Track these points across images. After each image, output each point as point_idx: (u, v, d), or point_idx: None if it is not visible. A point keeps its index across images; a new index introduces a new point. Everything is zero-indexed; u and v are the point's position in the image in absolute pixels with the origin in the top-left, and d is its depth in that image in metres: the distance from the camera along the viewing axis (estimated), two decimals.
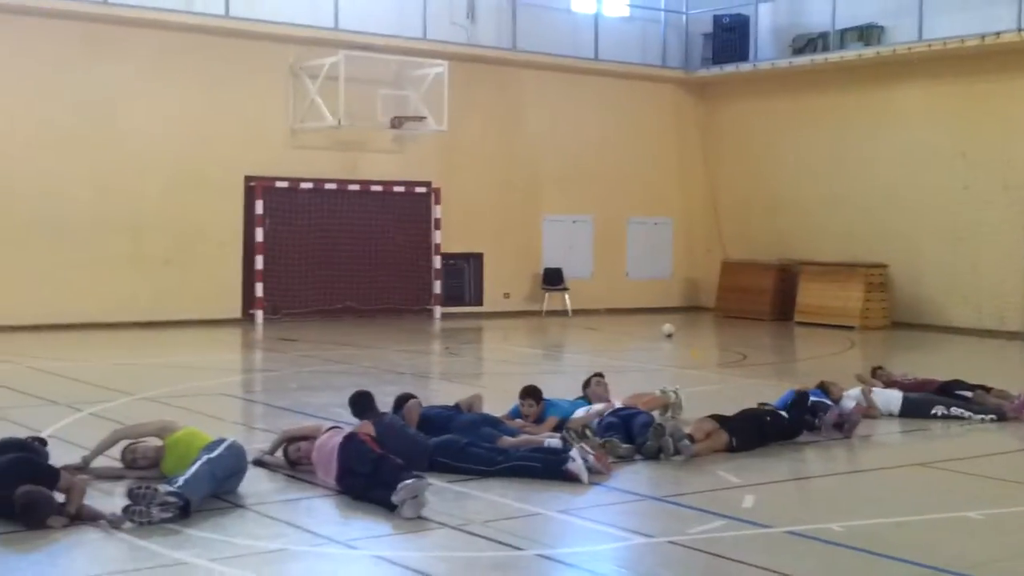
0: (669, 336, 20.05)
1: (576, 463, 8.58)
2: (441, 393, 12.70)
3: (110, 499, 7.68)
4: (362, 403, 9.49)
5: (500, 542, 6.91)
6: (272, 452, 8.89)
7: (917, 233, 22.43)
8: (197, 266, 20.89)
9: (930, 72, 22.12)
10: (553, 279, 24.72)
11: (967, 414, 11.70)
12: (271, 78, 21.54)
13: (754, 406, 10.58)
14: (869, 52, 22.71)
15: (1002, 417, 11.64)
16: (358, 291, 22.56)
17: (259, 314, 21.37)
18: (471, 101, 23.09)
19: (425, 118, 21.89)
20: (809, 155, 24.36)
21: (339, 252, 22.37)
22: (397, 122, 21.81)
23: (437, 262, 23.37)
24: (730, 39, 25.41)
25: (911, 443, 10.88)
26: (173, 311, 20.45)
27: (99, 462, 8.42)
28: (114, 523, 7.02)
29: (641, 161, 25.92)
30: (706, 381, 14.24)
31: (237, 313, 21.46)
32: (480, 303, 24.24)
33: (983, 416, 11.65)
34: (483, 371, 16.87)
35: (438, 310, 23.35)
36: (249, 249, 21.47)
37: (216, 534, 7.03)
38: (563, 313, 24.34)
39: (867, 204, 23.19)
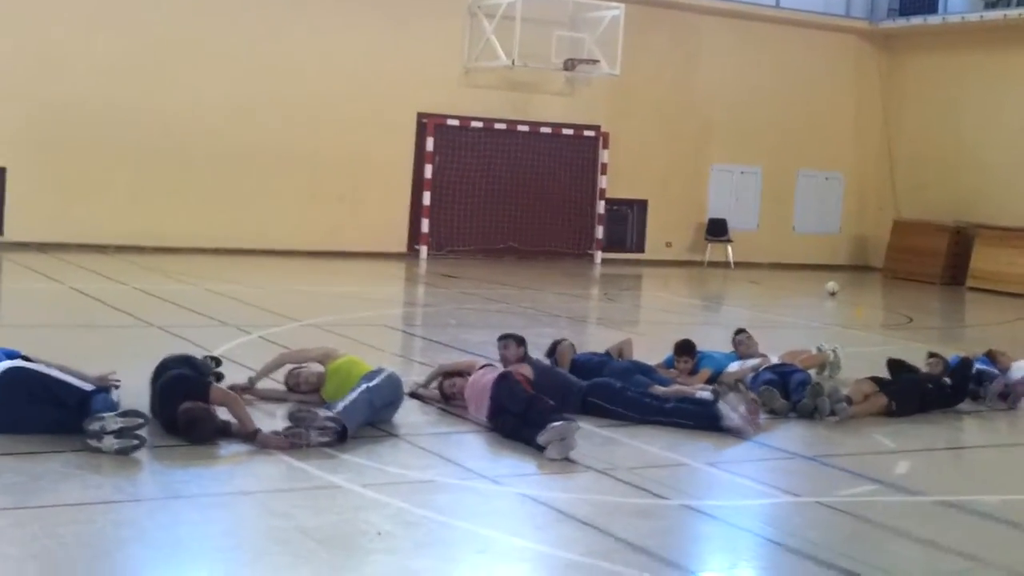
0: (833, 294, 19.63)
1: (727, 416, 8.55)
2: (595, 339, 12.75)
3: (271, 420, 8.00)
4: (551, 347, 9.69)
5: (645, 489, 6.96)
6: (427, 385, 9.10)
7: None
8: (368, 200, 21.35)
9: None
10: (717, 230, 24.44)
11: None
12: (448, 16, 21.72)
13: (918, 367, 10.35)
14: None
15: None
16: (521, 232, 22.73)
17: (423, 249, 21.75)
18: (645, 46, 22.87)
19: (598, 61, 21.80)
20: (996, 115, 23.40)
21: (505, 192, 22.55)
22: (570, 64, 21.77)
23: (601, 207, 23.35)
24: None
25: None
26: (343, 243, 20.99)
27: (264, 384, 8.75)
28: (286, 442, 7.26)
29: (815, 113, 25.30)
30: (868, 342, 13.94)
31: (403, 247, 21.90)
32: (642, 250, 24.16)
33: None
34: (639, 319, 16.86)
35: (599, 255, 23.37)
36: (418, 185, 21.82)
37: (369, 460, 7.25)
38: (725, 265, 24.08)
39: None
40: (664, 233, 24.24)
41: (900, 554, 6.09)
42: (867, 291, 22.29)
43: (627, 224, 24.05)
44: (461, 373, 8.93)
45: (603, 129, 23.12)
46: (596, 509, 6.58)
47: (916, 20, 24.48)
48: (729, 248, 24.26)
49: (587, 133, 23.07)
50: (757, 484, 7.25)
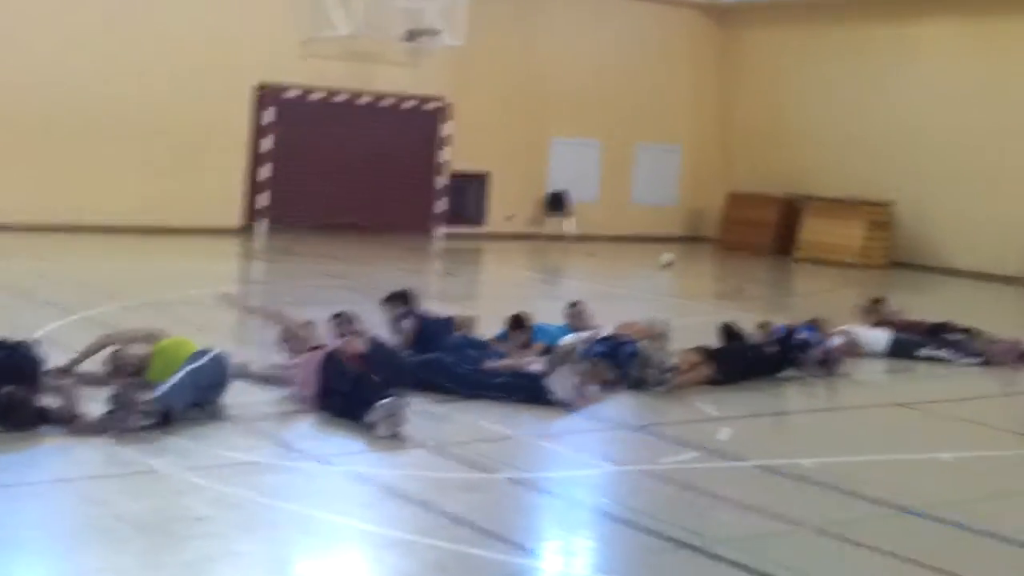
0: (668, 265, 20.05)
1: (559, 389, 8.67)
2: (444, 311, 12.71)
3: (94, 405, 7.79)
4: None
5: (472, 464, 7.01)
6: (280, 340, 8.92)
7: (928, 173, 22.26)
8: (201, 173, 20.81)
9: (959, 8, 21.86)
10: (558, 203, 24.66)
11: (952, 356, 11.77)
12: None
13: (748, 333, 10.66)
14: None
15: (987, 361, 11.71)
16: (363, 206, 22.47)
17: (262, 224, 21.39)
18: (489, 18, 22.80)
19: (440, 32, 21.66)
20: (828, 89, 24.08)
21: (346, 166, 22.23)
22: (412, 35, 21.59)
23: (442, 180, 23.32)
24: None
25: (893, 383, 10.98)
26: (175, 218, 20.39)
27: (86, 367, 8.51)
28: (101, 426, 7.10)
29: (654, 87, 25.67)
30: (699, 312, 14.27)
31: (239, 222, 21.47)
32: (483, 223, 24.22)
33: (968, 359, 11.72)
34: (479, 293, 16.96)
35: (440, 229, 23.35)
36: (255, 158, 21.43)
37: (194, 443, 7.13)
38: (566, 237, 24.33)
39: (882, 141, 22.98)
40: (506, 206, 24.33)
41: (720, 519, 6.28)
42: (700, 262, 22.83)
43: (469, 197, 24.06)
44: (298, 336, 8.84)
45: (445, 101, 23.06)
46: (424, 485, 6.60)
47: None
48: (572, 220, 24.51)
49: (429, 105, 22.97)
50: (584, 455, 7.39)
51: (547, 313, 11.57)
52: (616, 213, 25.52)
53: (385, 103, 22.52)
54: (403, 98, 22.62)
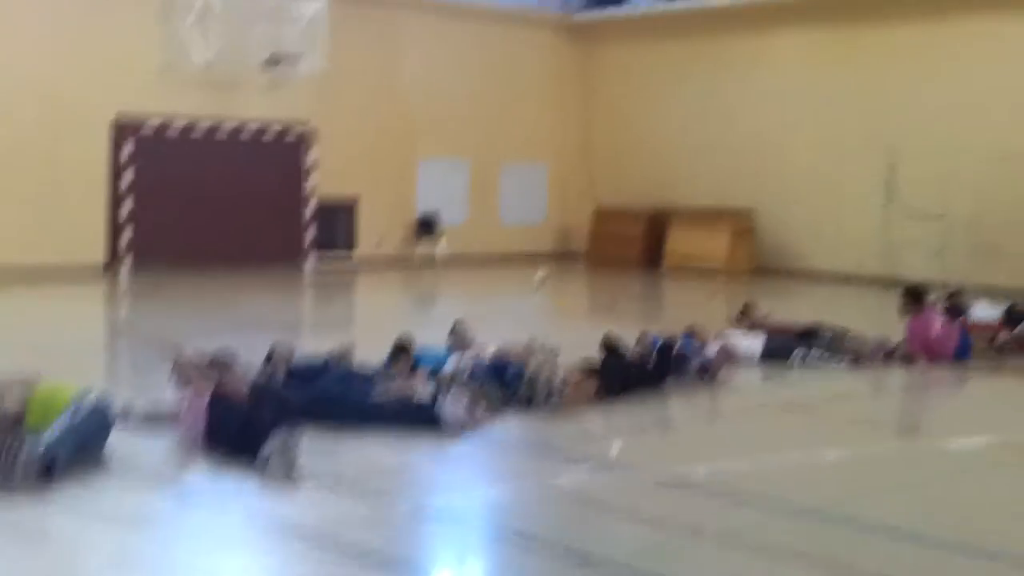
0: (542, 283, 20.22)
1: (448, 413, 8.69)
2: (313, 343, 12.60)
3: None
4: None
5: (369, 495, 6.97)
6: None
7: (784, 180, 22.99)
8: (62, 210, 20.24)
9: (804, 18, 22.63)
10: (428, 225, 24.68)
11: (824, 358, 12.13)
12: (141, 14, 20.86)
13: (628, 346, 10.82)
14: None
15: (858, 361, 12.11)
16: (229, 238, 22.16)
17: (125, 262, 20.92)
18: (350, 41, 22.76)
19: (302, 56, 21.49)
20: (684, 101, 24.68)
21: (210, 197, 21.91)
22: (273, 59, 21.36)
23: (310, 208, 23.14)
24: None
25: (771, 388, 11.25)
26: (36, 257, 19.80)
27: None
28: None
29: (517, 106, 25.93)
30: (577, 328, 14.44)
31: (100, 261, 20.94)
32: (353, 250, 24.09)
33: (841, 360, 12.10)
34: (355, 320, 16.84)
35: (311, 258, 23.15)
36: (115, 193, 20.96)
37: (84, 492, 6.94)
38: (438, 260, 24.36)
39: (739, 151, 23.63)
40: (376, 231, 24.25)
41: (619, 532, 6.36)
42: (572, 277, 23.08)
43: (338, 224, 23.91)
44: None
45: (310, 127, 22.90)
46: (323, 520, 6.54)
47: (608, 11, 25.50)
48: (443, 242, 24.53)
49: (293, 132, 22.79)
50: (479, 477, 7.40)
51: (426, 336, 11.56)
52: (486, 232, 25.65)
53: (247, 132, 22.28)
54: (266, 125, 22.40)
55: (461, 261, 24.36)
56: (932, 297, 13.62)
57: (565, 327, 14.17)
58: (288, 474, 7.35)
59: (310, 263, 22.97)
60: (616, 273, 23.19)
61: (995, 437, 8.78)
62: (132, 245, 20.99)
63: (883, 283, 21.26)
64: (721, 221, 23.21)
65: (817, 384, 11.26)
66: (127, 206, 20.95)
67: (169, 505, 6.79)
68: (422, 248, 24.48)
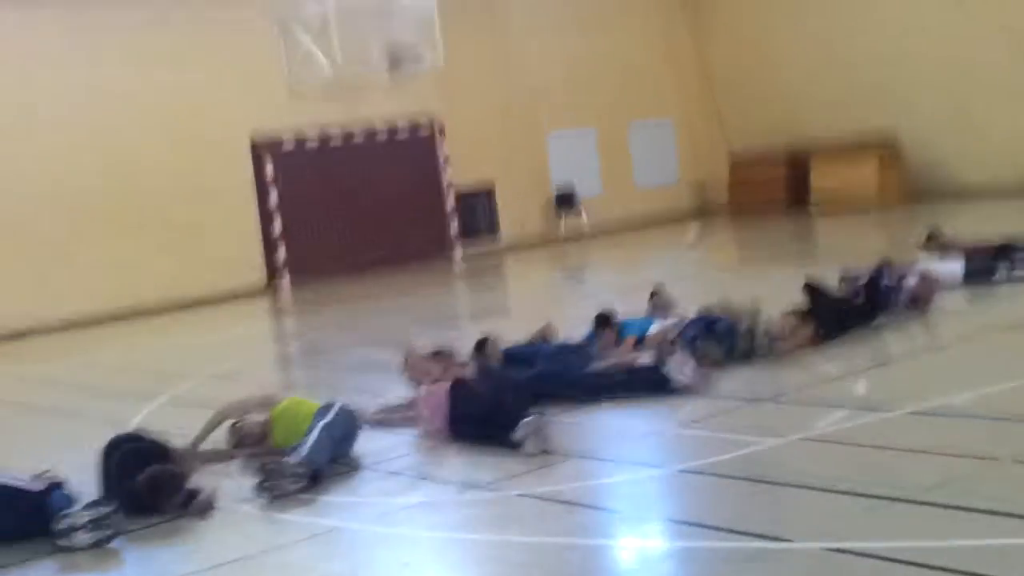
0: (696, 240, 20.03)
1: (676, 374, 8.59)
2: (497, 328, 12.57)
3: (230, 480, 7.70)
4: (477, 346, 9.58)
5: (640, 463, 6.92)
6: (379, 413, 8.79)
7: (926, 95, 22.20)
8: (212, 238, 20.67)
9: None
10: (566, 200, 24.60)
11: None
12: (260, 34, 21.12)
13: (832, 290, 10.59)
14: None
15: None
16: (377, 241, 22.42)
17: (285, 280, 21.28)
18: (461, 29, 22.70)
19: (422, 55, 21.56)
20: (805, 30, 23.95)
21: (353, 204, 22.19)
22: (395, 61, 21.48)
23: (450, 200, 23.25)
24: None
25: (988, 308, 10.91)
26: (199, 288, 20.26)
27: (206, 445, 8.39)
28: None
29: (634, 64, 25.63)
30: (760, 278, 14.20)
31: (260, 282, 21.34)
32: (497, 236, 24.14)
33: None
34: (528, 303, 16.79)
35: (458, 249, 23.27)
36: (265, 214, 21.32)
37: (353, 497, 7.03)
38: (580, 235, 24.25)
39: (871, 72, 22.81)
40: (516, 214, 24.26)
41: (913, 469, 6.17)
42: (721, 231, 22.77)
43: (478, 212, 23.99)
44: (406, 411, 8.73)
45: (437, 121, 22.98)
46: (601, 493, 6.51)
47: None
48: (582, 217, 24.44)
49: (422, 128, 22.91)
50: (738, 435, 7.24)
51: (592, 310, 11.40)
52: (622, 200, 25.47)
53: (380, 135, 22.46)
54: (396, 126, 22.54)
55: (602, 231, 24.24)
56: None
57: (742, 280, 13.94)
58: (543, 453, 7.36)
59: (458, 253, 23.08)
60: (763, 219, 22.82)
61: None
62: (288, 261, 21.33)
63: None
64: (865, 151, 22.63)
65: None
66: (277, 224, 21.29)
67: (442, 497, 6.80)
68: (564, 223, 24.40)
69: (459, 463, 7.58)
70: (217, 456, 8.27)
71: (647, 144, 26.07)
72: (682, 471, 6.67)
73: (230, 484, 7.56)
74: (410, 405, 8.64)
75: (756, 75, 25.04)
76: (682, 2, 26.36)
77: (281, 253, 21.32)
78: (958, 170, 22.07)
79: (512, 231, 24.18)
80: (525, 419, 7.46)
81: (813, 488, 6.01)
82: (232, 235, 20.96)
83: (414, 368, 8.85)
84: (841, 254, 16.65)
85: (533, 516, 6.32)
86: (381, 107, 22.46)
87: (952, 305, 10.97)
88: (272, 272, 21.35)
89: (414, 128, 22.78)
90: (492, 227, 24.15)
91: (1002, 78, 21.11)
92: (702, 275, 16.19)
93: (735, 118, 25.80)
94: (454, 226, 23.29)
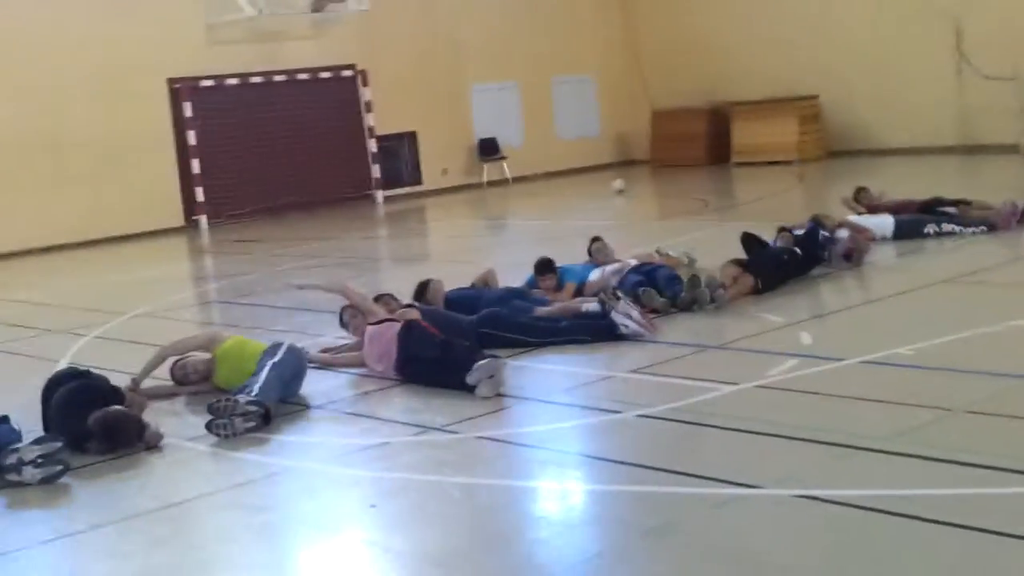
0: (620, 192, 20.12)
1: (623, 322, 8.63)
2: (432, 273, 12.46)
3: (176, 418, 7.58)
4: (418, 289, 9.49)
5: (596, 408, 6.93)
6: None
7: (845, 61, 22.58)
8: (129, 177, 20.20)
9: None
10: (489, 149, 24.52)
11: (959, 229, 11.98)
12: None
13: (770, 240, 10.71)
14: None
15: (991, 228, 11.93)
16: (298, 184, 22.10)
17: (203, 219, 20.90)
18: None
19: None
20: None
21: (274, 147, 21.85)
22: (318, 4, 21.16)
23: (373, 145, 23.00)
24: None
25: (921, 263, 11.11)
26: (110, 227, 19.83)
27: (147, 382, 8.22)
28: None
29: (559, 20, 25.57)
30: (688, 230, 14.30)
31: (177, 221, 20.94)
32: (419, 182, 23.98)
33: (973, 229, 11.95)
34: (461, 247, 16.61)
35: (380, 194, 23.07)
36: (183, 154, 20.88)
37: (309, 436, 6.97)
38: (503, 182, 24.21)
39: (794, 35, 23.17)
40: (438, 161, 24.11)
41: (871, 417, 6.27)
42: (644, 183, 22.88)
43: (401, 158, 23.79)
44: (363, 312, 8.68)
45: (360, 67, 22.68)
46: (566, 436, 6.53)
47: None
48: (504, 165, 24.39)
49: (345, 73, 22.59)
50: (692, 380, 7.29)
51: (528, 254, 11.38)
52: (544, 150, 25.45)
53: (301, 78, 22.10)
54: (318, 71, 22.20)
55: (524, 181, 24.22)
56: None
57: (670, 230, 14.01)
58: (495, 394, 7.35)
59: (379, 198, 22.88)
60: (684, 173, 22.99)
61: None
62: (206, 201, 20.95)
63: (961, 151, 21.05)
64: (786, 109, 22.89)
65: (964, 255, 11.10)
66: (196, 164, 20.86)
67: (402, 438, 6.75)
68: (485, 173, 24.32)
69: (412, 404, 7.52)
70: (160, 393, 8.12)
71: (570, 98, 26.06)
72: (641, 416, 6.69)
73: (176, 422, 7.45)
74: (356, 346, 8.57)
75: (680, 37, 25.15)
76: None
77: (199, 193, 20.90)
78: (875, 131, 22.47)
79: (434, 178, 24.02)
80: (480, 362, 7.44)
81: (776, 435, 6.08)
82: (149, 175, 20.51)
83: (358, 310, 8.75)
84: (766, 207, 16.93)
85: (495, 459, 6.33)
86: (303, 50, 22.12)
87: (883, 259, 11.18)
88: (190, 211, 20.94)
89: (336, 72, 22.44)
90: (414, 173, 23.97)
91: (919, 48, 21.49)
92: (629, 225, 16.24)
93: (659, 78, 25.89)
94: (376, 171, 23.05)
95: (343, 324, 8.83)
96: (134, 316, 11.87)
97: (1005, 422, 6.05)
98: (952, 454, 5.53)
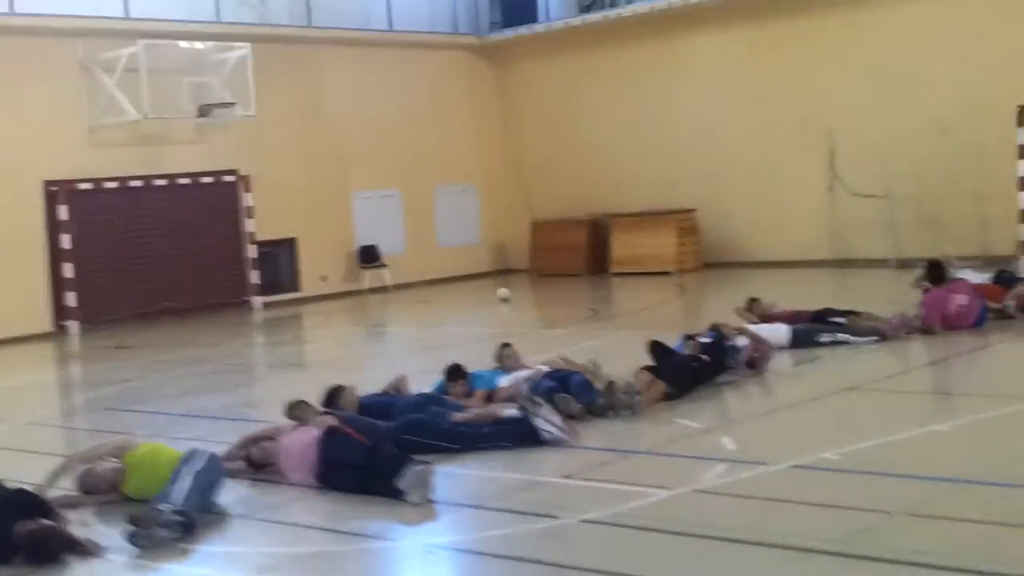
0: (505, 300, 20.20)
1: (545, 428, 8.58)
2: (323, 379, 12.09)
3: (87, 529, 7.19)
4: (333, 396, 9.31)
5: (535, 513, 6.82)
6: (231, 456, 8.46)
7: (722, 176, 23.25)
8: (1, 279, 19.47)
9: (722, 18, 22.94)
10: (369, 256, 24.41)
11: (851, 339, 12.30)
12: (62, 75, 20.26)
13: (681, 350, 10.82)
14: (661, 3, 23.30)
15: (882, 338, 12.30)
16: (174, 289, 21.56)
17: (74, 325, 20.21)
18: (272, 83, 22.40)
19: (234, 104, 21.09)
20: (610, 110, 24.81)
21: (151, 252, 21.29)
22: (205, 110, 20.95)
23: (252, 251, 22.69)
24: (517, 1, 25.62)
25: (820, 371, 11.33)
26: None
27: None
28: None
29: (442, 130, 25.80)
30: (584, 338, 14.38)
31: (45, 327, 20.18)
32: (298, 288, 23.67)
33: (866, 339, 12.29)
34: (351, 355, 16.39)
35: (258, 300, 22.69)
36: (55, 257, 20.25)
37: (235, 546, 6.68)
38: (384, 289, 24.08)
39: (672, 152, 23.81)
40: (318, 267, 23.88)
41: (810, 519, 6.32)
42: (526, 291, 22.99)
43: (280, 264, 23.50)
44: (268, 437, 8.40)
45: (242, 172, 22.47)
46: (507, 543, 6.38)
47: (521, 30, 25.58)
48: (385, 272, 24.29)
49: (227, 179, 22.32)
50: (625, 486, 7.27)
51: (428, 362, 11.30)
52: (424, 258, 25.44)
53: (182, 182, 21.76)
54: (199, 175, 21.92)
55: (405, 288, 24.15)
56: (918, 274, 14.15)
57: (564, 338, 14.07)
58: (426, 501, 7.19)
59: (257, 304, 22.51)
60: (564, 283, 23.23)
61: None
62: (80, 306, 20.28)
63: (833, 264, 21.75)
64: (664, 221, 23.40)
65: (862, 363, 11.38)
66: (69, 268, 20.23)
67: (336, 547, 6.53)
68: (365, 280, 24.18)
69: (341, 511, 7.31)
70: (65, 503, 7.71)
71: (451, 206, 26.20)
72: (584, 521, 6.61)
73: (88, 534, 7.06)
74: (271, 455, 8.29)
75: (561, 150, 25.61)
76: (494, 80, 26.78)
77: (70, 298, 20.24)
78: (751, 244, 23.09)
79: (314, 284, 23.77)
80: (411, 468, 7.28)
81: (729, 540, 6.07)
82: (19, 278, 19.78)
83: (296, 415, 8.53)
84: (654, 316, 17.16)
85: (444, 569, 6.15)
86: (186, 155, 21.80)
87: (783, 367, 11.37)
88: (60, 316, 20.23)
89: (218, 177, 22.17)
90: (293, 280, 23.67)
91: (795, 165, 22.29)
92: (521, 333, 16.22)
93: (539, 188, 26.24)
94: (254, 276, 22.71)
95: (255, 466, 8.46)
96: (21, 424, 11.31)
97: (947, 524, 6.15)
98: (906, 556, 5.58)
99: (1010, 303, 13.24)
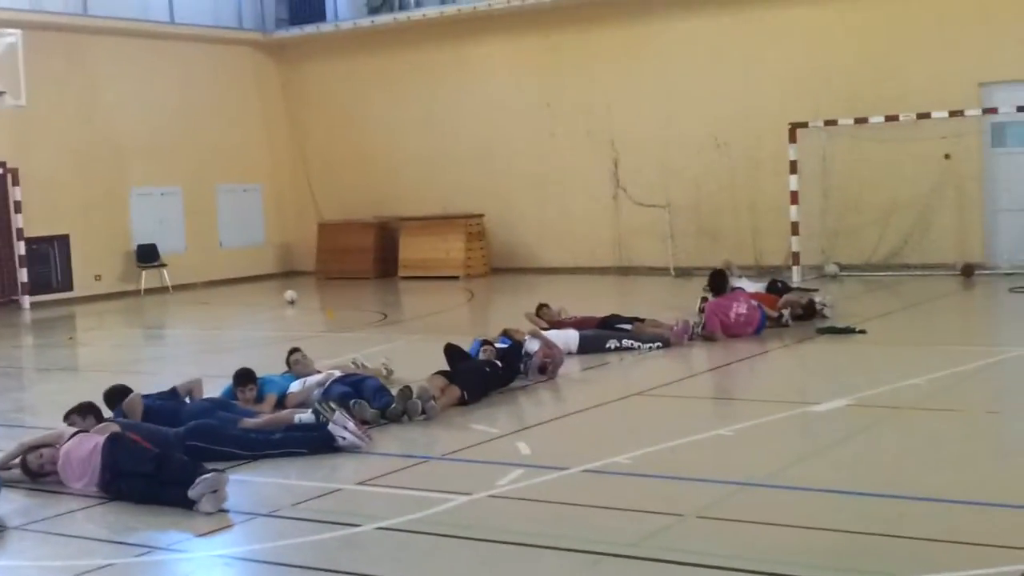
0: (292, 303, 19.88)
1: (340, 433, 8.47)
2: (101, 382, 11.49)
3: None
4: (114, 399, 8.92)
5: (331, 521, 6.70)
6: (6, 465, 8.01)
7: (510, 183, 23.55)
8: None
9: (510, 26, 23.21)
10: (148, 255, 23.60)
11: (637, 344, 12.63)
12: None
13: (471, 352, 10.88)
14: (450, 8, 23.39)
15: (666, 344, 12.68)
16: None
17: None
18: (45, 73, 21.41)
19: (3, 93, 19.99)
20: (399, 113, 24.80)
21: None
22: None
23: (21, 248, 21.61)
24: None
25: (609, 376, 11.58)
26: None
27: None
28: None
29: (225, 128, 25.24)
30: (375, 342, 14.27)
31: None
32: (70, 288, 22.68)
33: (651, 345, 12.64)
34: (128, 357, 15.77)
35: (27, 300, 21.62)
36: None
37: (14, 560, 6.32)
38: (163, 290, 23.33)
39: (462, 158, 24.00)
40: (92, 266, 22.95)
41: (605, 523, 6.42)
42: (312, 294, 22.67)
43: (51, 262, 22.46)
44: (47, 444, 7.99)
45: (10, 165, 21.37)
46: (304, 553, 6.25)
47: (309, 29, 25.23)
48: (164, 272, 23.52)
49: None
50: (422, 491, 7.23)
51: (215, 366, 11.03)
52: (206, 258, 24.81)
53: None
54: None
55: (186, 290, 23.47)
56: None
57: (354, 343, 13.92)
58: (218, 510, 6.98)
59: (26, 304, 21.45)
60: (351, 286, 23.04)
61: (849, 398, 9.45)
62: None
63: (616, 272, 22.32)
64: (452, 227, 23.51)
65: (647, 369, 11.69)
66: None
67: (125, 559, 6.25)
68: (143, 280, 23.36)
69: (128, 522, 7.00)
70: None
71: (235, 206, 25.63)
72: (380, 528, 6.53)
73: None
74: (50, 462, 7.88)
75: (348, 153, 25.52)
76: (280, 78, 26.37)
77: None
78: (537, 250, 23.46)
79: (87, 284, 22.82)
80: (203, 475, 7.05)
81: (525, 544, 6.11)
82: None
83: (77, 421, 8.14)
84: (445, 320, 17.21)
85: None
86: None
87: (572, 372, 11.57)
88: None
89: None
90: (65, 279, 22.66)
91: (581, 174, 22.78)
92: (310, 336, 15.99)
93: (327, 190, 26.02)
94: (23, 275, 21.63)
95: (33, 475, 8.02)
96: None
97: (734, 525, 6.36)
98: (698, 557, 5.74)
99: (785, 312, 13.87)
